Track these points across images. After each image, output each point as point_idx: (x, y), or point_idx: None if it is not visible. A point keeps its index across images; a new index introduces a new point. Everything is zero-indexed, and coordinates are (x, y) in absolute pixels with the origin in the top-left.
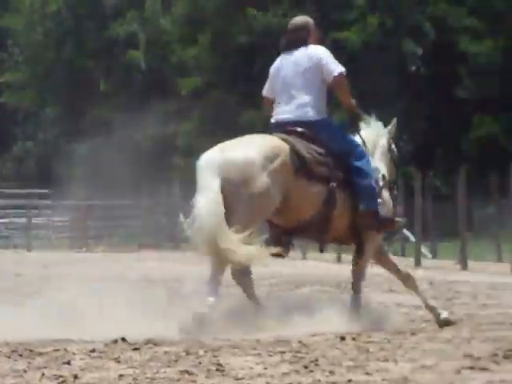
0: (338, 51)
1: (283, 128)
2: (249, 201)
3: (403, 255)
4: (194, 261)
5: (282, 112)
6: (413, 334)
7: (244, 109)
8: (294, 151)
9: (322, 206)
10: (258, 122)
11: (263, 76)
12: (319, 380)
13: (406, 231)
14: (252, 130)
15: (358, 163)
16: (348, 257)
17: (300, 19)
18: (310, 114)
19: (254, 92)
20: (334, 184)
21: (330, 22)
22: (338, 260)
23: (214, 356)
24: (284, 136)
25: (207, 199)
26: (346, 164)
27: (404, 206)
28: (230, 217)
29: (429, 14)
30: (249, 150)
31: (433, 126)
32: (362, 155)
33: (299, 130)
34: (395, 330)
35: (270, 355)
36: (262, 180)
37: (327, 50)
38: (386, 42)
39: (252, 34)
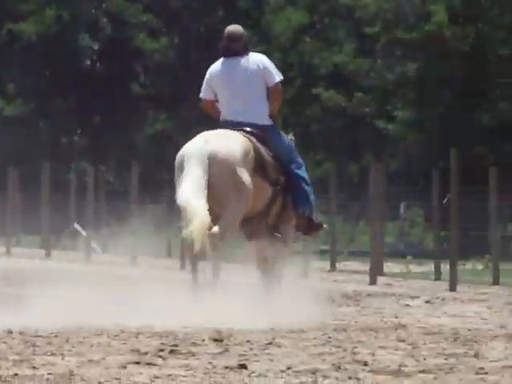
0: (15, 43)
1: (238, 127)
2: (236, 191)
3: (74, 250)
4: None
5: (235, 114)
6: (80, 328)
7: None
8: (256, 150)
9: (266, 205)
10: None
11: None
12: None
13: (77, 226)
14: None
15: (298, 171)
16: (19, 250)
17: (237, 28)
18: (264, 119)
19: None
20: (279, 187)
21: (5, 12)
22: (8, 253)
23: None
24: (246, 135)
25: (192, 184)
26: (287, 170)
27: (76, 201)
28: (217, 206)
29: (105, 9)
30: (232, 143)
31: (107, 121)
32: (300, 164)
33: (254, 131)
34: (63, 326)
35: None
36: (244, 172)
37: (267, 58)
38: (62, 36)
39: None
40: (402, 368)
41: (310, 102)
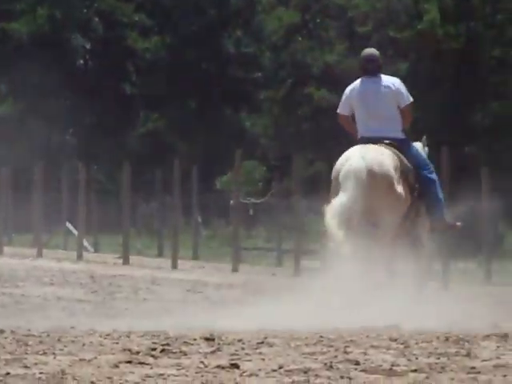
0: (6, 42)
1: (378, 142)
2: (393, 203)
3: (65, 249)
4: None
5: (372, 131)
6: (72, 327)
7: None
8: (401, 162)
9: (406, 212)
10: None
11: None
12: None
13: (68, 225)
14: None
15: (430, 175)
16: (12, 249)
17: (373, 50)
18: (398, 133)
19: None
20: (416, 194)
21: None
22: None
23: None
24: (389, 147)
25: (353, 196)
26: (421, 176)
27: (68, 200)
28: (374, 216)
29: (97, 9)
30: (385, 158)
31: (99, 120)
32: (430, 168)
33: (393, 143)
34: (56, 324)
35: None
36: (399, 185)
37: (399, 80)
38: (54, 35)
39: None
40: (394, 367)
41: (301, 101)
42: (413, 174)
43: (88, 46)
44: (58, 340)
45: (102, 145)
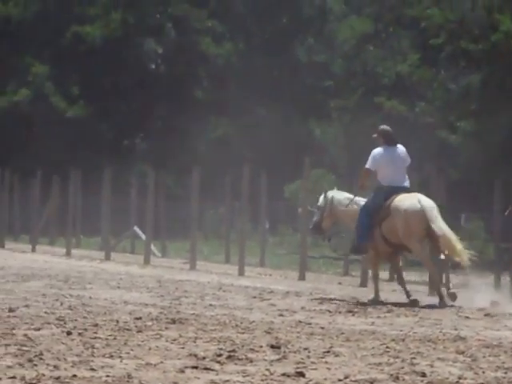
0: (80, 45)
1: (400, 190)
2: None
3: (132, 253)
4: None
5: (398, 182)
6: (139, 331)
7: None
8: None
9: None
10: None
11: (1, 66)
12: (43, 374)
13: (136, 228)
14: None
15: None
16: (78, 251)
17: (389, 127)
18: (408, 183)
19: None
20: None
21: (71, 15)
22: (68, 254)
23: None
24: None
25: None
26: None
27: (136, 204)
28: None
29: (170, 14)
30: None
31: (169, 125)
32: None
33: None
34: (121, 327)
35: None
36: None
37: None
38: (127, 39)
39: None
40: (461, 380)
41: (372, 111)
42: None
43: (160, 51)
44: (125, 343)
45: (171, 149)
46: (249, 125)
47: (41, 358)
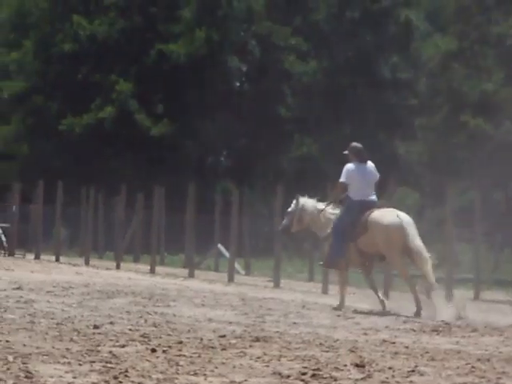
0: (164, 63)
1: (371, 204)
2: None
3: (216, 270)
4: (4, 265)
5: (367, 195)
6: (223, 349)
7: (64, 115)
8: None
9: None
10: (77, 128)
11: (87, 83)
12: None
13: (220, 246)
14: (71, 135)
15: None
16: (163, 269)
17: (360, 144)
18: (376, 197)
19: (76, 99)
20: None
21: (156, 33)
22: (152, 271)
23: (24, 363)
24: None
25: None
26: None
27: (220, 221)
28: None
29: (254, 32)
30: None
31: (253, 142)
32: None
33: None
34: (206, 344)
35: (80, 364)
36: None
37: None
38: (211, 57)
39: (77, 42)
40: None
41: (456, 129)
42: None
43: (244, 69)
44: (209, 361)
45: (255, 167)
46: (333, 143)
47: (126, 376)
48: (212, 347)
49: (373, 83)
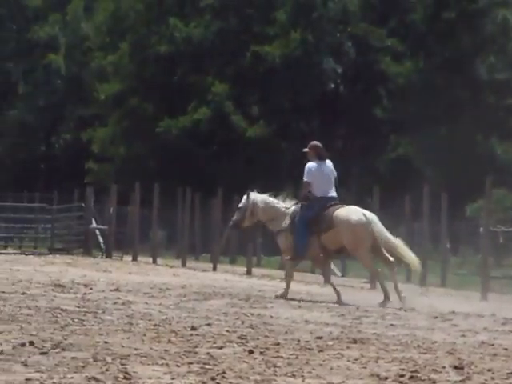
0: (259, 65)
1: (331, 200)
2: None
3: (312, 272)
4: (102, 267)
5: (328, 192)
6: (321, 351)
7: (161, 117)
8: None
9: None
10: (173, 129)
11: (183, 85)
12: None
13: None
14: (167, 137)
15: None
16: (259, 270)
17: (319, 143)
18: (336, 193)
19: (171, 100)
20: None
21: (251, 35)
22: (248, 273)
23: (122, 364)
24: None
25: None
26: None
27: None
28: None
29: (349, 33)
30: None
31: (349, 144)
32: None
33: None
34: (303, 346)
35: (178, 365)
36: None
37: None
38: (306, 59)
39: (173, 44)
40: None
41: None
42: None
43: (340, 70)
44: (307, 363)
45: (351, 168)
46: (429, 144)
47: (223, 377)
48: (309, 349)
49: (469, 83)
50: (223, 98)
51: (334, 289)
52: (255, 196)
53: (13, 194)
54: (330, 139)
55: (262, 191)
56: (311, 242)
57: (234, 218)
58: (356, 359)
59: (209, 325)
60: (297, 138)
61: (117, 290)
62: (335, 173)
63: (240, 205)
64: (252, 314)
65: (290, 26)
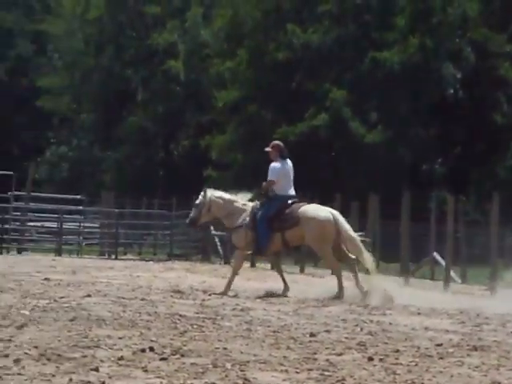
0: (378, 71)
1: (292, 198)
2: None
3: (432, 279)
4: (221, 273)
5: (289, 190)
6: (441, 358)
7: (278, 123)
8: None
9: None
10: (291, 136)
11: (300, 92)
12: None
13: (436, 255)
14: (285, 144)
15: None
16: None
17: (281, 142)
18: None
19: (289, 107)
20: None
21: (370, 41)
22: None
23: (241, 370)
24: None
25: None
26: None
27: (436, 230)
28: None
29: (469, 39)
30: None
31: (468, 150)
32: None
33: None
34: (423, 353)
35: (297, 372)
36: None
37: None
38: (425, 64)
39: (291, 50)
40: None
41: None
42: None
43: (459, 76)
44: (426, 370)
45: (470, 175)
46: None
47: (343, 383)
48: (429, 356)
49: None
50: (341, 104)
51: (283, 281)
52: (212, 192)
53: (132, 200)
54: (449, 144)
55: (380, 197)
56: (273, 239)
57: (191, 215)
58: (477, 367)
59: (328, 331)
60: (415, 144)
61: (235, 296)
62: (293, 172)
63: (197, 201)
64: (371, 321)
65: (408, 31)
